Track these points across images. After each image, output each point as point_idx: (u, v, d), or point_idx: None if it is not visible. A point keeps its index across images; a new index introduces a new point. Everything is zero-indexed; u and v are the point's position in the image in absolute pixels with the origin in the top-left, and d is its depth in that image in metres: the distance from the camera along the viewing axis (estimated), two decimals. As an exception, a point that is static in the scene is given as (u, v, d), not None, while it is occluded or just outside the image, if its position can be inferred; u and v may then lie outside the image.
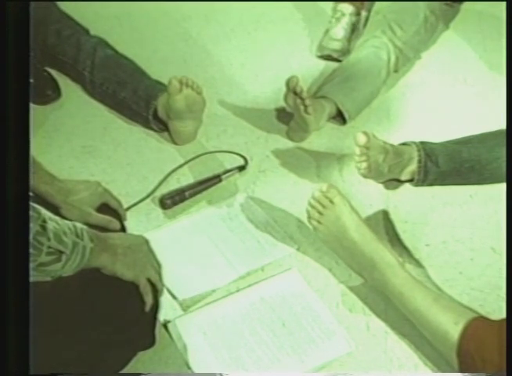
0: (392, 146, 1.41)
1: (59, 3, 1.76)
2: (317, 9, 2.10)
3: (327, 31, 1.93)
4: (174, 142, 1.59)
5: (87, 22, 1.77)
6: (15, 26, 0.75)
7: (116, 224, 1.15)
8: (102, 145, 1.59)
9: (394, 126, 1.66)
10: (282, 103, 1.61)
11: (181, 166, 1.53)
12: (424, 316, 1.12)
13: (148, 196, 1.45)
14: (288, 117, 1.63)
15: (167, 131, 1.60)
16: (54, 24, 1.69)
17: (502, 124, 1.43)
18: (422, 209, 1.44)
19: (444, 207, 1.45)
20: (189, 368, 1.13)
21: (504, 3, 1.49)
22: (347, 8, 1.93)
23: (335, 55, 1.86)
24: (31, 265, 0.79)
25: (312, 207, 1.28)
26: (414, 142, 1.44)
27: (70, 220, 0.90)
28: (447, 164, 1.42)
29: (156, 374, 1.13)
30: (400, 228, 1.40)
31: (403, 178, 1.46)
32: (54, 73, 1.74)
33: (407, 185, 1.49)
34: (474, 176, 1.45)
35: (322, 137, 1.62)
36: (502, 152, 1.39)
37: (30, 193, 1.07)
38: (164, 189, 1.47)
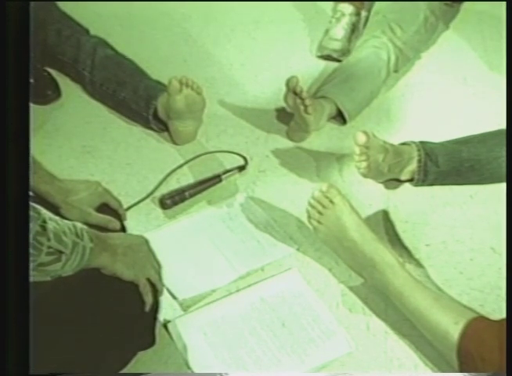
0: (392, 145, 1.41)
1: (59, 3, 1.76)
2: (317, 9, 2.11)
3: (327, 31, 1.93)
4: (174, 142, 1.59)
5: (87, 22, 1.77)
6: (15, 26, 0.75)
7: (116, 224, 1.15)
8: (102, 145, 1.59)
9: (394, 126, 1.66)
10: (282, 103, 1.61)
11: (181, 166, 1.53)
12: (424, 316, 1.11)
13: (148, 196, 1.45)
14: (288, 117, 1.63)
15: (167, 131, 1.60)
16: (54, 24, 1.69)
17: (502, 124, 1.43)
18: (422, 209, 1.44)
19: (444, 207, 1.45)
20: (189, 368, 1.13)
21: (504, 3, 1.49)
22: (347, 8, 1.93)
23: (335, 55, 1.86)
24: (31, 265, 0.79)
25: (312, 207, 1.28)
26: (414, 142, 1.44)
27: (70, 220, 0.90)
28: (447, 164, 1.42)
29: (156, 373, 1.13)
30: (400, 228, 1.40)
31: (403, 178, 1.46)
32: (54, 73, 1.74)
33: (407, 185, 1.48)
34: (474, 176, 1.45)
35: (322, 137, 1.62)
36: (502, 152, 1.39)
37: (30, 193, 1.07)
38: (164, 189, 1.47)
